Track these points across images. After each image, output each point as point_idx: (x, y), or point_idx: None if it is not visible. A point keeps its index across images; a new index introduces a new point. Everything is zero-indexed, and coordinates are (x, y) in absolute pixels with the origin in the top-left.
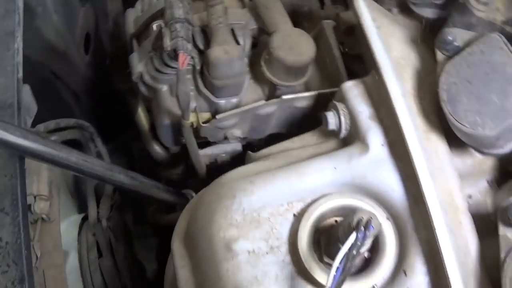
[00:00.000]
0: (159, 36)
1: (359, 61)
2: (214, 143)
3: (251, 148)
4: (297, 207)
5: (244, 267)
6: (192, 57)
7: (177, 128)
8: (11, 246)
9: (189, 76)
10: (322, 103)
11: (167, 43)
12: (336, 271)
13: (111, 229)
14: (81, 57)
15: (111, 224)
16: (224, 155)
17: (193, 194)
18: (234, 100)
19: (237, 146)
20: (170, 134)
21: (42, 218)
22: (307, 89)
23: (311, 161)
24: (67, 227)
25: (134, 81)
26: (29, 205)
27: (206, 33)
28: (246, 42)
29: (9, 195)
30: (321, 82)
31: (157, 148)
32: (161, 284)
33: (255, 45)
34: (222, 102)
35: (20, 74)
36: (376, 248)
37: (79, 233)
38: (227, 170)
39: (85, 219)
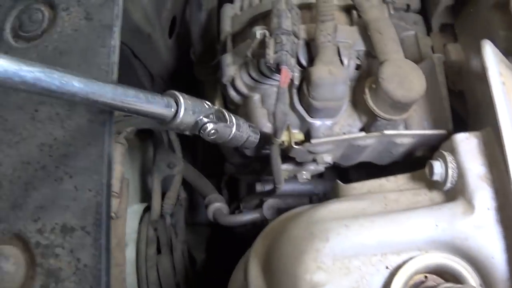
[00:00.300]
0: (262, 44)
1: (460, 99)
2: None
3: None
4: (391, 260)
5: None
6: (293, 73)
7: (262, 141)
8: (90, 270)
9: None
10: (423, 143)
11: (271, 55)
12: None
13: (173, 225)
14: (164, 41)
15: (173, 220)
16: (304, 172)
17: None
18: (328, 123)
19: (320, 167)
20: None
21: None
22: (407, 124)
23: (412, 214)
24: (128, 216)
25: (223, 83)
26: None
27: (310, 47)
28: (350, 64)
29: (92, 213)
30: (421, 118)
31: (229, 149)
32: (209, 274)
33: (357, 67)
34: (316, 123)
35: (115, 76)
36: None
37: (139, 225)
38: None
39: (146, 210)
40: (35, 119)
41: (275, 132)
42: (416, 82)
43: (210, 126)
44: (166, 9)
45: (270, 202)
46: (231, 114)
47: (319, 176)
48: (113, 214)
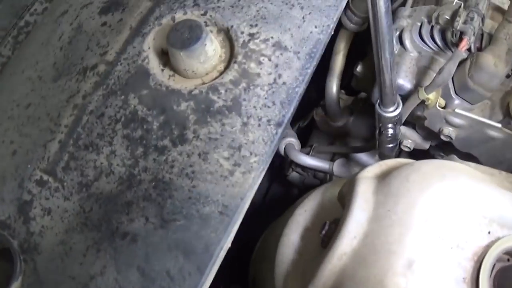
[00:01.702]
0: (453, 13)
1: None
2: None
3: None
4: (494, 229)
5: None
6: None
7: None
8: (287, 88)
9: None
10: None
11: (460, 23)
12: None
13: None
14: None
15: None
16: (410, 141)
17: None
18: (466, 106)
19: (427, 144)
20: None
21: None
22: None
23: None
24: None
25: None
26: None
27: (482, 37)
28: (507, 68)
29: (310, 45)
30: None
31: (333, 95)
32: None
33: (507, 77)
34: (457, 101)
35: None
36: None
37: None
38: None
39: None
40: None
41: (428, 87)
42: None
43: None
44: None
45: (343, 161)
46: None
47: None
48: None
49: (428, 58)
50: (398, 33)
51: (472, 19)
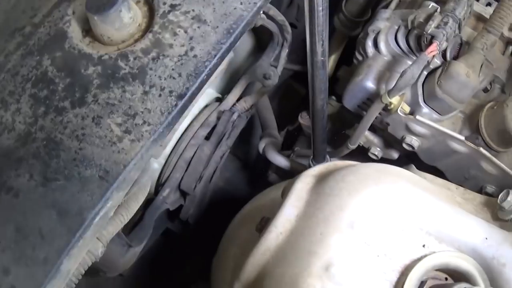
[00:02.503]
0: (428, 16)
1: None
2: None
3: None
4: (431, 242)
5: None
6: (433, 58)
7: (367, 98)
8: (197, 61)
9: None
10: (501, 182)
11: (431, 27)
12: None
13: (233, 125)
14: None
15: (236, 123)
16: (378, 149)
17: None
18: (434, 117)
19: (395, 154)
20: (355, 97)
21: None
22: (498, 157)
23: (472, 217)
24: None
25: (367, 31)
26: None
27: (461, 46)
28: (482, 82)
29: (231, 20)
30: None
31: None
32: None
33: (485, 90)
34: (424, 110)
35: None
36: None
37: (204, 107)
38: None
39: (217, 100)
40: None
41: (391, 90)
42: None
43: None
44: None
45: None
46: None
47: None
48: None
49: (401, 62)
50: (374, 35)
51: (446, 23)
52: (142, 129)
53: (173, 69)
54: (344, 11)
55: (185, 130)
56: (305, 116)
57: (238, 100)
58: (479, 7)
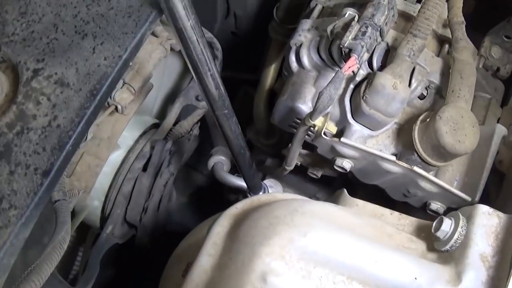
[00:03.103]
0: (346, 26)
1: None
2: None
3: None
4: (354, 287)
5: None
6: (359, 68)
7: (294, 117)
8: (60, 133)
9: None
10: (442, 198)
11: (348, 38)
12: None
13: (170, 153)
14: None
15: (174, 149)
16: (317, 168)
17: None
18: (366, 133)
19: (334, 172)
20: (284, 116)
21: (116, 108)
22: (438, 172)
23: (398, 255)
24: (134, 122)
25: (289, 45)
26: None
27: (388, 52)
28: (416, 90)
29: (94, 80)
30: (454, 175)
31: (260, 113)
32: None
33: (421, 97)
34: (354, 126)
35: None
36: None
37: (140, 136)
38: None
39: (153, 127)
40: None
41: (312, 113)
42: (470, 138)
43: None
44: None
45: (271, 181)
46: None
47: (327, 183)
48: (119, 107)
49: (327, 77)
50: (295, 49)
51: (364, 33)
52: (9, 213)
53: (37, 144)
54: (275, 18)
55: (122, 163)
56: (253, 128)
57: (175, 124)
58: (406, 6)
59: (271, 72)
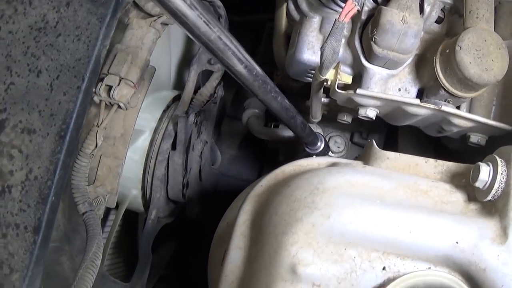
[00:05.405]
0: None
1: None
2: None
3: None
4: (392, 262)
5: None
6: (362, 6)
7: (308, 68)
8: (39, 185)
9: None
10: (482, 131)
11: None
12: None
13: (197, 124)
14: None
15: (200, 118)
16: (346, 114)
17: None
18: (385, 74)
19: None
20: (297, 69)
21: (119, 106)
22: (471, 104)
23: (435, 220)
24: (153, 101)
25: None
26: (110, 87)
27: None
28: (431, 15)
29: (59, 121)
30: (490, 103)
31: (282, 58)
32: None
33: (439, 20)
34: (372, 69)
35: None
36: None
37: (163, 112)
38: None
39: (177, 99)
40: None
41: (320, 68)
42: (497, 63)
43: None
44: None
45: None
46: None
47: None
48: (122, 104)
49: (333, 20)
50: None
51: None
52: (11, 278)
53: (20, 201)
54: None
55: (150, 146)
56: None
57: (195, 92)
58: None
59: (283, 13)
